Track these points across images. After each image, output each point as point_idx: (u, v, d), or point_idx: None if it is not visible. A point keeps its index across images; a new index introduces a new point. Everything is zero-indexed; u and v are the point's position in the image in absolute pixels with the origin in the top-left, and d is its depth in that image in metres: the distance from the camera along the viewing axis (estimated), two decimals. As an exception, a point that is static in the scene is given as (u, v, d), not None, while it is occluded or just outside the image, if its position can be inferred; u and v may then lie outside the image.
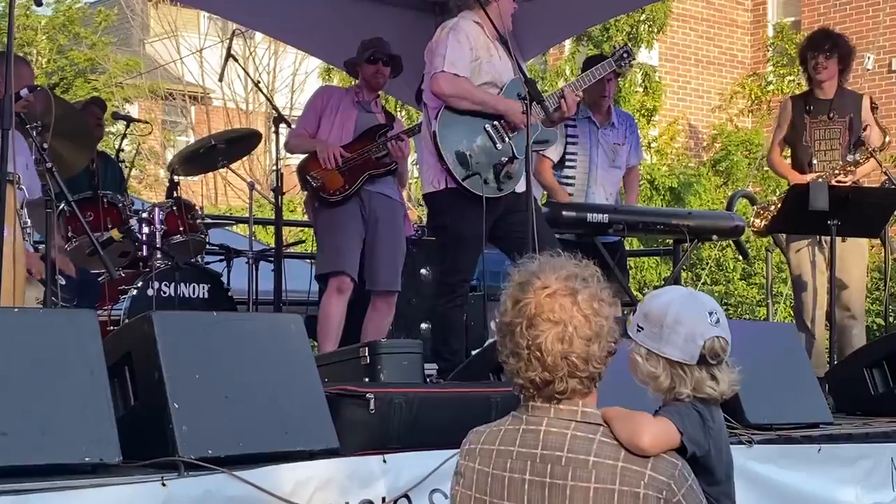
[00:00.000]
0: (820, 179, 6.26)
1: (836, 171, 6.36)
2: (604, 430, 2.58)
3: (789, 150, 6.77)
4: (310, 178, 6.06)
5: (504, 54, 5.48)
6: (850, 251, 6.45)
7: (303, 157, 6.27)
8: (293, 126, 6.48)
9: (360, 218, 6.03)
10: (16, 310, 3.59)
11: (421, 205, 15.46)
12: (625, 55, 5.95)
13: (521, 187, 5.41)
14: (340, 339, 5.95)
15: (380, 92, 6.41)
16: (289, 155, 6.76)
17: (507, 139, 5.37)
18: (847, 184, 6.32)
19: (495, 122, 5.38)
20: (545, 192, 6.98)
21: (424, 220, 9.27)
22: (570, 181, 6.78)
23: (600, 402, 2.65)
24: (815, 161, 6.45)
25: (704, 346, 2.73)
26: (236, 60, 6.98)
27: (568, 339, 2.53)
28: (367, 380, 4.49)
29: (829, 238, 6.15)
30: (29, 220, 4.03)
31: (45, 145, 4.44)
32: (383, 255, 6.06)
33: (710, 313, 2.76)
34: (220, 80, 6.78)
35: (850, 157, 6.41)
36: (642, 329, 2.77)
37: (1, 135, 3.72)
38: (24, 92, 4.41)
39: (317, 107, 6.23)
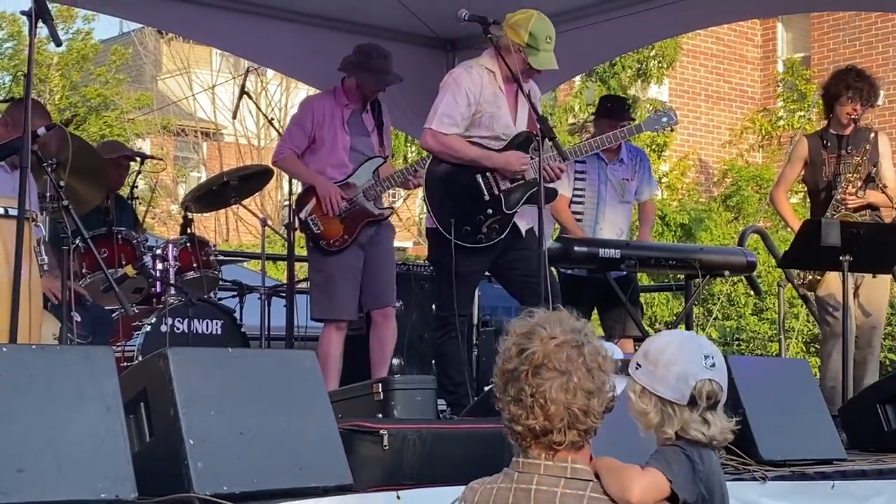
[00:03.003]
0: (830, 216, 6.28)
1: (841, 207, 6.37)
2: (594, 486, 2.60)
3: (805, 189, 6.76)
4: (311, 221, 5.99)
5: (523, 103, 5.45)
6: (877, 287, 6.47)
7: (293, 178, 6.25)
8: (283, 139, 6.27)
9: (357, 248, 5.97)
10: (33, 346, 3.62)
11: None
12: (664, 119, 5.86)
13: (524, 225, 5.42)
14: (348, 372, 5.97)
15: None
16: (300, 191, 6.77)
17: (496, 191, 5.37)
18: (859, 203, 6.33)
19: (487, 174, 5.38)
20: (556, 228, 7.00)
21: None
22: (578, 216, 6.81)
23: (598, 447, 2.66)
24: (834, 194, 6.43)
25: (695, 388, 2.77)
26: (250, 97, 7.02)
27: (572, 389, 2.55)
28: (380, 416, 4.49)
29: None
30: (46, 258, 4.06)
31: (62, 183, 4.47)
32: (380, 277, 6.05)
33: (706, 357, 2.80)
34: (234, 117, 6.82)
35: (859, 193, 6.42)
36: (640, 367, 2.82)
37: (20, 173, 3.77)
38: (41, 131, 4.45)
39: (305, 126, 6.04)
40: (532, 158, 5.30)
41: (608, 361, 2.62)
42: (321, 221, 5.98)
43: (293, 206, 6.20)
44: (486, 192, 5.35)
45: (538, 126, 5.16)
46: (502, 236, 5.38)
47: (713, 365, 2.79)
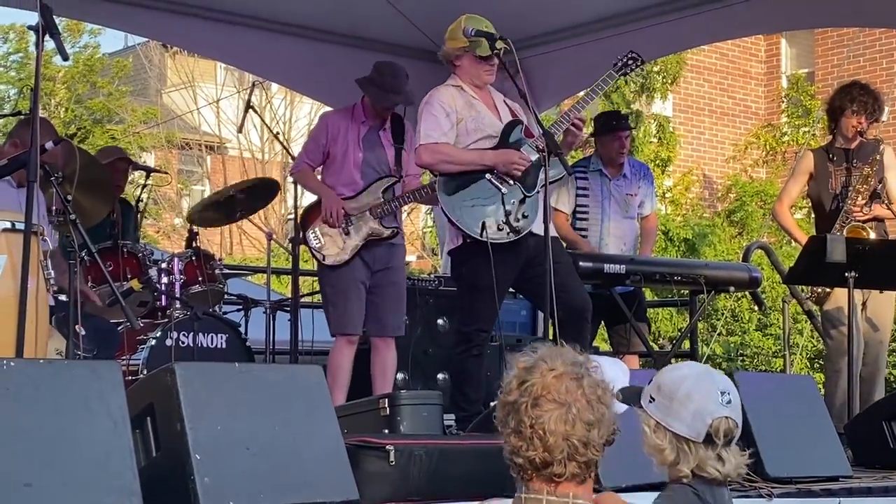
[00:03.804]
0: (839, 227, 6.28)
1: (850, 219, 6.37)
2: None
3: (809, 204, 6.75)
4: (312, 235, 5.99)
5: (502, 104, 5.55)
6: (884, 302, 6.46)
7: (307, 191, 6.26)
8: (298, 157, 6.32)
9: (363, 266, 5.97)
10: (41, 361, 3.62)
11: (435, 254, 15.47)
12: (629, 61, 5.64)
13: (538, 229, 5.41)
14: (353, 387, 5.96)
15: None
16: (306, 205, 6.76)
17: (511, 182, 5.39)
18: (867, 217, 6.34)
19: (494, 171, 5.39)
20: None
21: (439, 270, 9.26)
22: (582, 233, 6.82)
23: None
24: (842, 206, 6.43)
25: (711, 426, 2.76)
26: (255, 112, 7.03)
27: (571, 421, 2.53)
28: (386, 431, 4.49)
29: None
30: (53, 272, 4.06)
31: (69, 197, 4.47)
32: (389, 303, 6.04)
33: (723, 393, 2.79)
34: (240, 131, 6.82)
35: (865, 209, 6.41)
36: (654, 400, 2.80)
37: (27, 187, 3.78)
38: (48, 144, 4.46)
39: (320, 140, 6.08)
40: (540, 151, 5.30)
41: (608, 394, 2.60)
42: (324, 236, 5.98)
43: (299, 220, 6.20)
44: (501, 187, 5.37)
45: (544, 141, 5.17)
46: (533, 227, 5.39)
47: (729, 402, 2.78)
